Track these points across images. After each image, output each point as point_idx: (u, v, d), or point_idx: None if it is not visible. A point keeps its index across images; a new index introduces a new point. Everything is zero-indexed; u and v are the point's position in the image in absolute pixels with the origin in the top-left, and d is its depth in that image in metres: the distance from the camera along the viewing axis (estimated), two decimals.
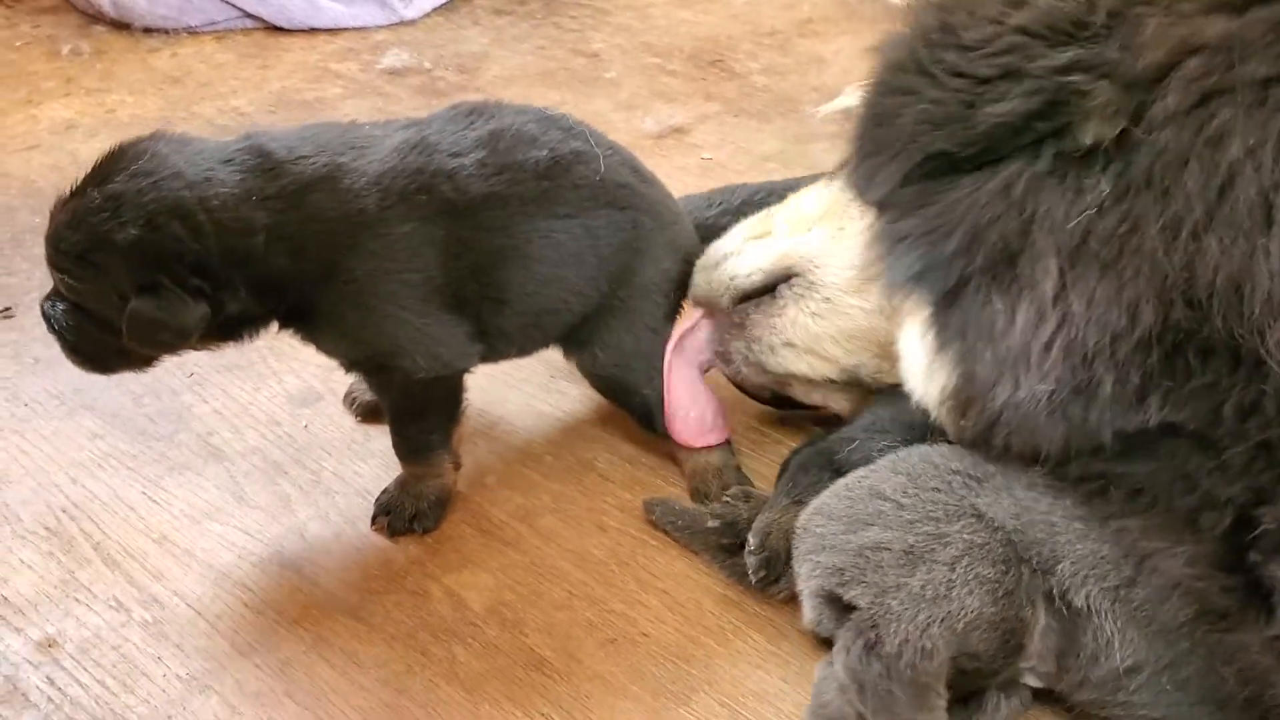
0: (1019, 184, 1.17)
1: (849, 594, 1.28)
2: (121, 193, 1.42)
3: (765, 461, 1.74)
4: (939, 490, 1.30)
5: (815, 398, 1.71)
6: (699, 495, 1.65)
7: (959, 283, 1.22)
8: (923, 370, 1.31)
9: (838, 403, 1.70)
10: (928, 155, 1.23)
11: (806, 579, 1.36)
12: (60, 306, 1.48)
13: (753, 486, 1.65)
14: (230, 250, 1.45)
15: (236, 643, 1.48)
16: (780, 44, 3.15)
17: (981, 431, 1.27)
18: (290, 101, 2.89)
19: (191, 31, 3.24)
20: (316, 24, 3.26)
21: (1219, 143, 1.05)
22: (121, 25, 3.22)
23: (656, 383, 1.68)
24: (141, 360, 1.55)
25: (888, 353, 1.49)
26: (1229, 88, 1.05)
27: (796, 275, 1.63)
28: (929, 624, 1.22)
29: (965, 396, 1.25)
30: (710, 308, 1.71)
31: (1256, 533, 1.11)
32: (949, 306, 1.24)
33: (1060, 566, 1.23)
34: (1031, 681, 1.30)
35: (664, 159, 2.51)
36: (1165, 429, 1.15)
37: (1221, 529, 1.14)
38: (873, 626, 1.24)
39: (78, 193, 1.45)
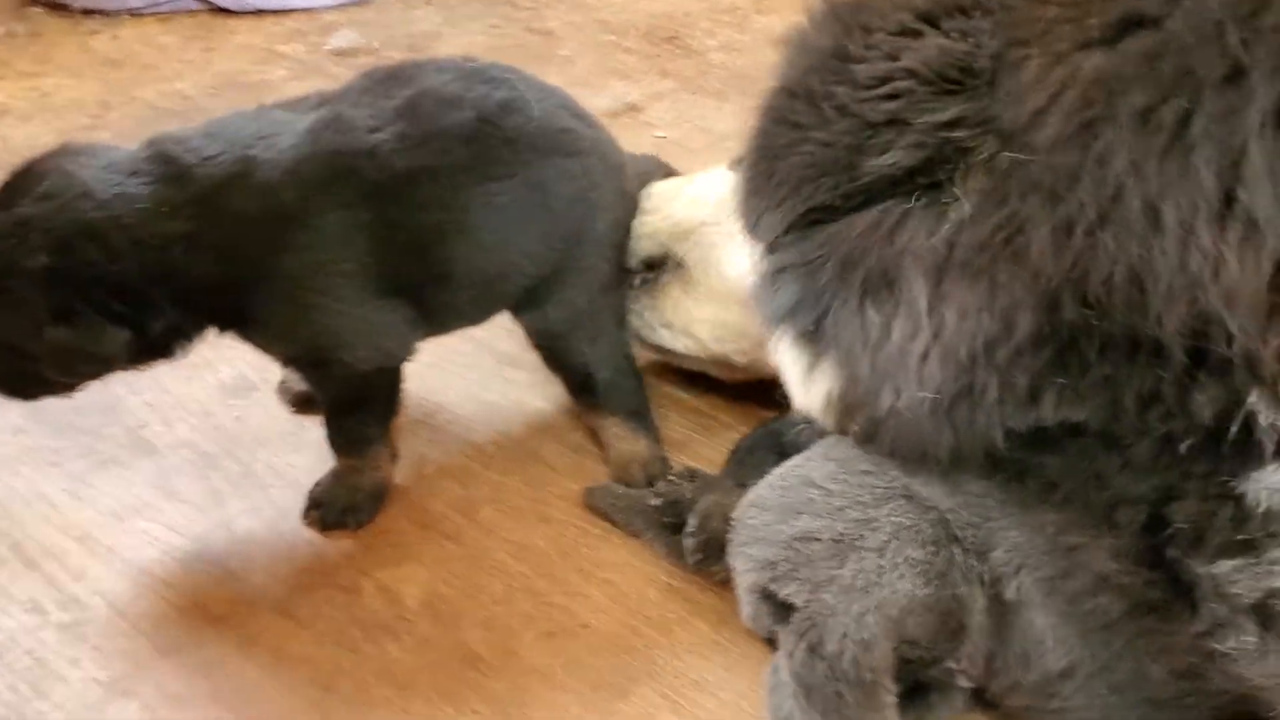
0: (888, 220, 1.16)
1: (784, 591, 1.23)
2: (30, 217, 1.34)
3: (715, 446, 1.68)
4: (869, 473, 1.25)
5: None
6: (624, 486, 1.59)
7: (832, 301, 1.20)
8: (802, 382, 1.29)
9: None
10: (811, 207, 1.22)
11: (741, 574, 1.31)
12: None
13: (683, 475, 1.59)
14: (149, 267, 1.38)
15: (159, 643, 1.41)
16: (738, 20, 3.09)
17: (867, 434, 1.24)
18: (234, 84, 2.82)
19: (134, 13, 3.15)
20: (264, 4, 3.17)
21: (1105, 160, 1.04)
22: (59, 6, 3.14)
23: (600, 346, 1.63)
24: (66, 387, 1.47)
25: (758, 345, 1.50)
26: (1110, 116, 1.04)
27: (684, 260, 1.66)
28: (863, 614, 1.17)
29: (849, 402, 1.23)
30: None
31: (1170, 531, 1.09)
32: (822, 322, 1.22)
33: (993, 554, 1.19)
34: (964, 683, 1.25)
35: (618, 138, 2.44)
36: (1068, 429, 1.13)
37: (1137, 525, 1.11)
38: (813, 626, 1.19)
39: None
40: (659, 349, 1.74)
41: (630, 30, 3.05)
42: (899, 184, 1.16)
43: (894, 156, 1.15)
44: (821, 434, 1.38)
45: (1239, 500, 1.07)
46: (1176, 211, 1.01)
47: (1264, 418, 1.04)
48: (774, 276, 1.25)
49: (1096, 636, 1.15)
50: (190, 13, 3.18)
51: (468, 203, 1.50)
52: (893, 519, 1.22)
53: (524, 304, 1.62)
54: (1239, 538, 1.07)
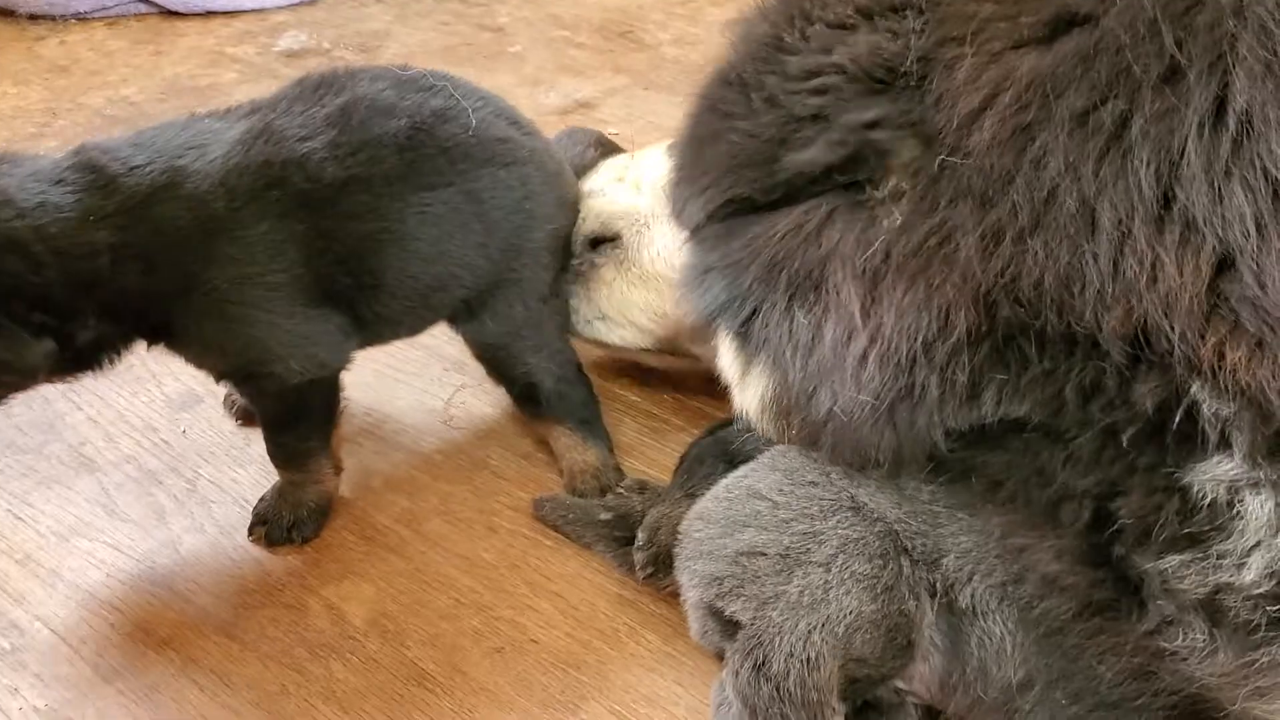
0: (811, 222, 1.14)
1: (730, 609, 1.21)
2: None
3: (667, 451, 1.66)
4: (815, 484, 1.23)
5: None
6: (577, 496, 1.57)
7: (760, 302, 1.18)
8: (738, 383, 1.27)
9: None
10: (730, 198, 1.20)
11: (687, 590, 1.28)
12: None
13: (632, 487, 1.57)
14: (74, 278, 1.34)
15: (100, 668, 1.39)
16: (691, 13, 3.07)
17: (806, 438, 1.22)
18: (182, 89, 2.77)
19: (81, 18, 3.10)
20: (213, 6, 3.14)
21: (1039, 163, 1.03)
22: (5, 12, 3.09)
23: (543, 355, 1.61)
24: None
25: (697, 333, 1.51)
26: (1046, 119, 1.03)
27: (620, 241, 1.65)
28: (810, 632, 1.15)
29: (784, 404, 1.20)
30: None
31: (1115, 527, 1.07)
32: (751, 323, 1.20)
33: (944, 561, 1.16)
34: (913, 701, 1.23)
35: None
36: (1009, 425, 1.11)
37: (1082, 523, 1.09)
38: (758, 644, 1.16)
39: None
40: (595, 342, 1.72)
41: (583, 25, 3.03)
42: (816, 182, 1.14)
43: (813, 153, 1.13)
44: (769, 442, 1.37)
45: (1184, 492, 1.04)
46: (1113, 213, 1.00)
47: (1207, 407, 1.01)
48: (701, 275, 1.23)
49: (1049, 642, 1.13)
50: (138, 16, 3.14)
51: (402, 212, 1.48)
52: (839, 531, 1.20)
53: (462, 315, 1.60)
54: (1185, 531, 1.04)
